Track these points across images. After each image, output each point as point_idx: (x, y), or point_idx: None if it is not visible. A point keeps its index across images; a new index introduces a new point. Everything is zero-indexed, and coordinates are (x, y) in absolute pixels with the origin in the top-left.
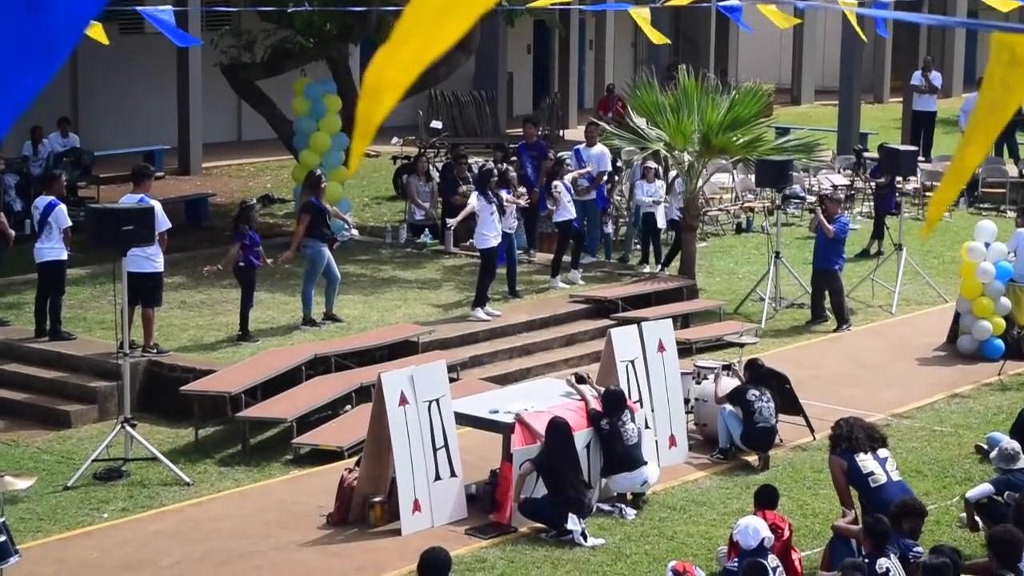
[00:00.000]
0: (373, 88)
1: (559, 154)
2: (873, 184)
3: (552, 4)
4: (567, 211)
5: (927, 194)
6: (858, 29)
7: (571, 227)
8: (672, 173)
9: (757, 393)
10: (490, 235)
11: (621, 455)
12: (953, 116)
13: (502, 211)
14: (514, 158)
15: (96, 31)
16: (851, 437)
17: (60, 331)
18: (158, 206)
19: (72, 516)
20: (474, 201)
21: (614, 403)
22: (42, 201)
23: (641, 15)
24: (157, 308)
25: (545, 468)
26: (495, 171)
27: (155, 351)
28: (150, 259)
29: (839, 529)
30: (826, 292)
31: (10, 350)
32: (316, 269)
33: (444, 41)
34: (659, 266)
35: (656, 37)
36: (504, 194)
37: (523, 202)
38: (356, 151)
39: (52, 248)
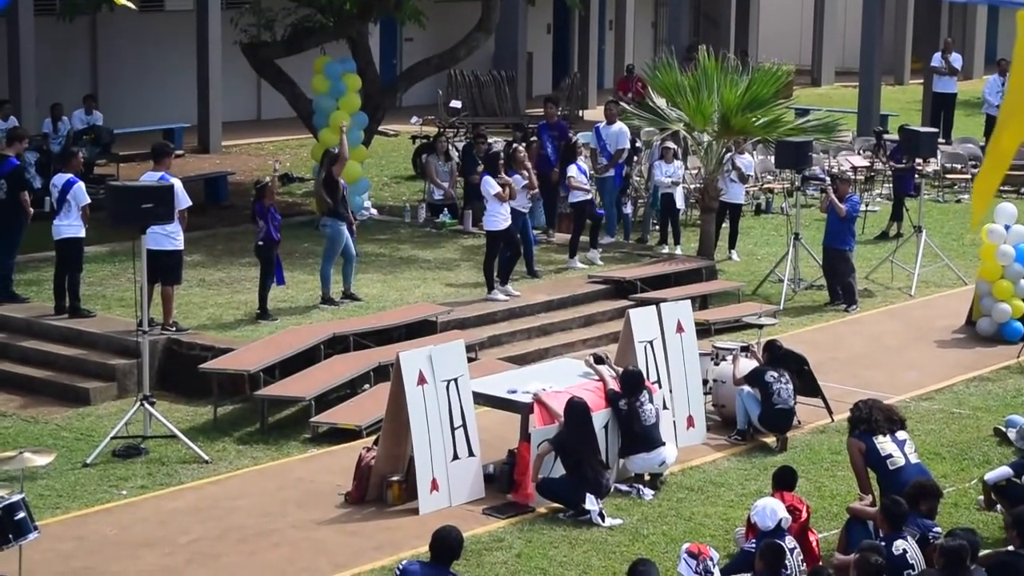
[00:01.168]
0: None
1: (575, 136)
2: (892, 166)
3: None
4: (582, 191)
5: (947, 176)
6: None
7: (587, 207)
8: (728, 153)
9: (775, 375)
10: (499, 217)
11: (639, 435)
12: (974, 98)
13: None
14: (534, 138)
15: None
16: (870, 419)
17: (79, 308)
18: (178, 184)
19: (91, 493)
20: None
21: (632, 383)
22: (60, 179)
23: None
24: (176, 286)
25: (563, 448)
26: (501, 153)
27: (174, 329)
28: (170, 237)
29: (855, 511)
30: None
31: (30, 327)
32: (335, 248)
33: None
34: (731, 250)
35: None
36: (516, 180)
37: (531, 191)
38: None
39: (70, 225)
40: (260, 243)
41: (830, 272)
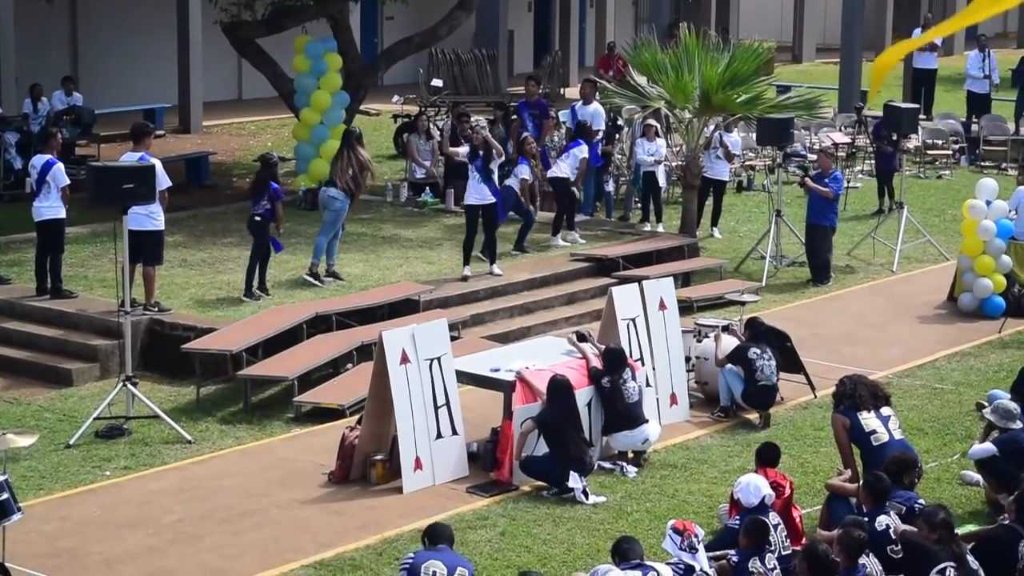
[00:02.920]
0: None
1: (554, 114)
2: (874, 143)
3: None
4: (560, 169)
5: (928, 152)
6: None
7: (566, 185)
8: (710, 128)
9: (758, 351)
10: (471, 194)
11: (622, 413)
12: (955, 74)
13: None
14: (515, 116)
15: None
16: (855, 395)
17: (61, 289)
18: (159, 164)
19: (74, 474)
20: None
21: (615, 361)
22: (39, 160)
23: None
24: (158, 266)
25: (546, 426)
26: (494, 152)
27: (156, 309)
28: (151, 217)
29: (833, 487)
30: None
31: (11, 308)
32: (337, 222)
33: None
34: (713, 228)
35: None
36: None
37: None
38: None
39: (51, 207)
40: (257, 218)
41: (812, 249)
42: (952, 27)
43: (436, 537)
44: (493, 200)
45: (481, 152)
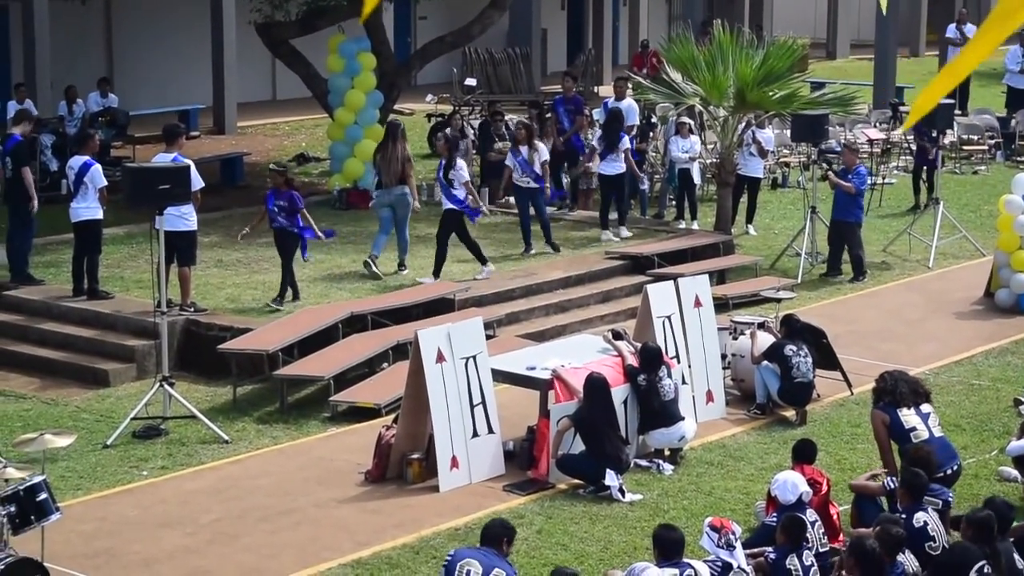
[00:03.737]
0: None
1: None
2: (910, 139)
3: None
4: (611, 167)
5: (964, 148)
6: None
7: (613, 181)
8: (741, 126)
9: (794, 348)
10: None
11: (658, 411)
12: (990, 69)
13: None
14: (549, 114)
15: None
16: (895, 391)
17: (98, 290)
18: (192, 165)
19: (112, 474)
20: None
21: (651, 359)
22: (77, 161)
23: None
24: (192, 267)
25: (583, 424)
26: (459, 141)
27: (192, 310)
28: (183, 218)
29: (857, 487)
30: (845, 245)
31: (48, 309)
32: (408, 217)
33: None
34: (748, 225)
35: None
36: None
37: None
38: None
39: (88, 208)
40: (295, 229)
41: (837, 244)
42: (981, 52)
43: (484, 537)
44: (452, 206)
45: (443, 159)
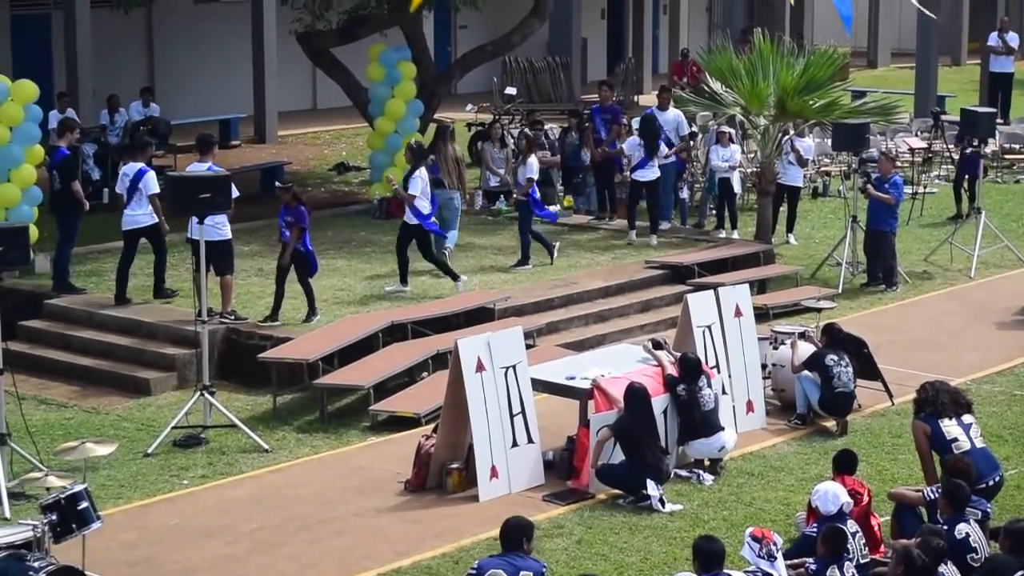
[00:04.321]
0: None
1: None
2: (952, 148)
3: None
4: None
5: (1006, 156)
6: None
7: (647, 185)
8: (788, 134)
9: (835, 358)
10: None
11: (698, 421)
12: None
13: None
14: (588, 122)
15: None
16: (936, 402)
17: (164, 289)
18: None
19: (152, 483)
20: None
21: (691, 369)
22: (131, 168)
23: None
24: (231, 275)
25: (623, 434)
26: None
27: (232, 317)
28: (216, 227)
29: (897, 496)
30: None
31: (90, 318)
32: (456, 219)
33: None
34: (788, 234)
35: None
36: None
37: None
38: None
39: (143, 214)
40: (301, 248)
41: (872, 253)
42: None
43: (505, 540)
44: (414, 221)
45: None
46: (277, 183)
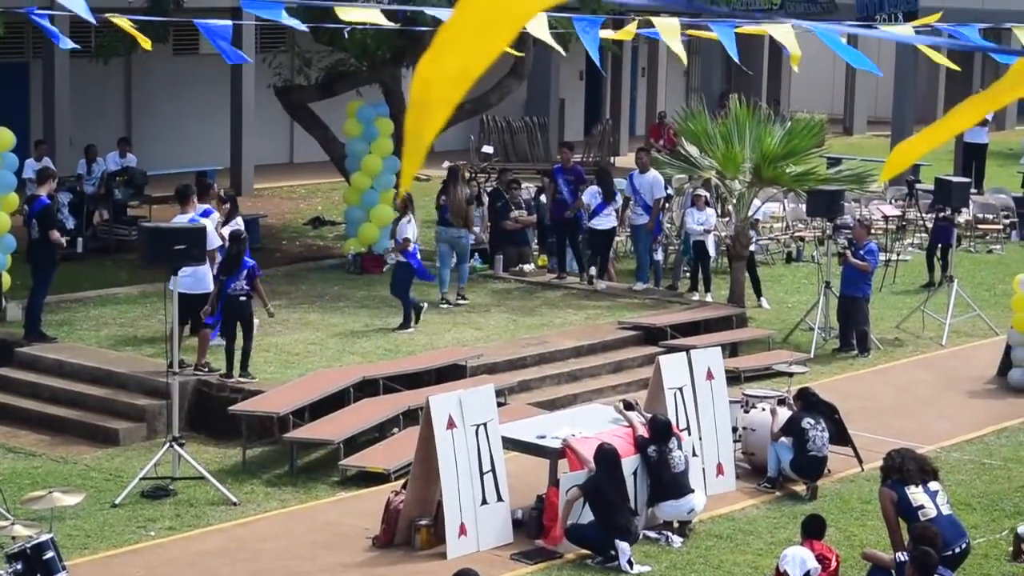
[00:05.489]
0: (421, 102)
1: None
2: (926, 216)
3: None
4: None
5: (979, 226)
6: (946, 62)
7: (604, 235)
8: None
9: (812, 421)
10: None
11: (668, 483)
12: (1006, 148)
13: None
14: (549, 180)
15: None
16: (902, 469)
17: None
18: (209, 224)
19: (119, 534)
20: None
21: (661, 431)
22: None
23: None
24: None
25: (593, 494)
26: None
27: (206, 370)
28: (199, 281)
29: (870, 556)
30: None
31: (60, 367)
32: (450, 254)
33: (490, 52)
34: (759, 298)
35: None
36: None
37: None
38: (407, 171)
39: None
40: (243, 298)
41: (845, 319)
42: (938, 136)
43: None
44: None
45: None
46: (241, 231)
